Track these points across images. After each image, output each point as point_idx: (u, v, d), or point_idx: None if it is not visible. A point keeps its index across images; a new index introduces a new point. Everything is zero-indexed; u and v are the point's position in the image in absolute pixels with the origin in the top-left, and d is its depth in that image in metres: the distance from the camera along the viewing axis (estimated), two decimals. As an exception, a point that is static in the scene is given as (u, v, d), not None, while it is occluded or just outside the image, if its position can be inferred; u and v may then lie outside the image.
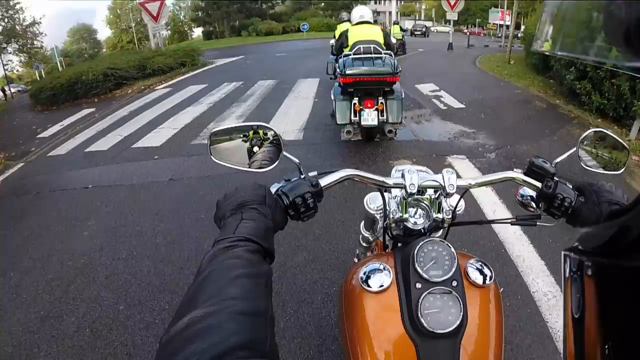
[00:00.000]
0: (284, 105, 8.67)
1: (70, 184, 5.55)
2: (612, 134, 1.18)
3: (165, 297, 2.95)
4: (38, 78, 21.64)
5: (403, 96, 5.28)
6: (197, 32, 62.34)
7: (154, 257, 3.45)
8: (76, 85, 12.36)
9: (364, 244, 1.82)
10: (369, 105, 5.09)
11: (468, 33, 33.51)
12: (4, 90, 24.12)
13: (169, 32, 57.41)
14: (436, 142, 5.84)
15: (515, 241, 3.28)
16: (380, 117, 5.14)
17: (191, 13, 59.97)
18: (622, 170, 1.17)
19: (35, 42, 22.83)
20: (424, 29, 43.88)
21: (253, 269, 0.65)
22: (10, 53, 22.07)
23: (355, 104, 5.12)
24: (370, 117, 5.11)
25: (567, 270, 0.49)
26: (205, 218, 3.95)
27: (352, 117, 5.16)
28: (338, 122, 5.27)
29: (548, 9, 0.53)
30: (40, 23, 22.57)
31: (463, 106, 7.78)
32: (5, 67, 23.71)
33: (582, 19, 0.44)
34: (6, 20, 20.73)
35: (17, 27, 21.30)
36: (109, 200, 4.77)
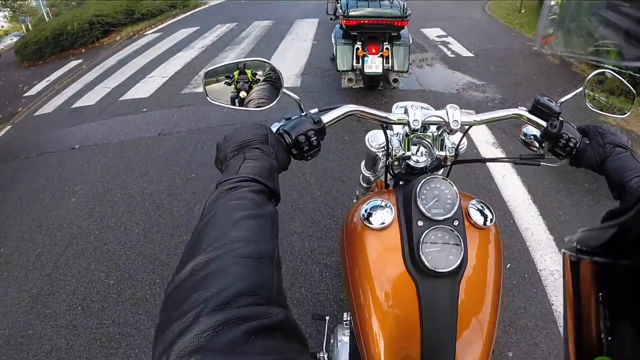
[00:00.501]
0: (281, 47, 8.22)
1: (57, 146, 5.32)
2: (619, 77, 1.16)
3: (156, 268, 2.82)
4: (25, 31, 20.93)
5: (411, 42, 4.87)
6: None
7: (143, 223, 3.29)
8: (61, 37, 11.84)
9: (365, 184, 1.80)
10: (373, 51, 4.68)
11: None
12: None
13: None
14: (443, 94, 5.50)
15: (525, 212, 3.11)
16: (385, 65, 4.73)
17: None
18: (628, 113, 1.17)
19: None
20: None
21: (258, 210, 0.64)
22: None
23: (358, 48, 4.70)
24: (374, 64, 4.71)
25: (567, 270, 0.46)
26: (196, 178, 3.76)
27: (354, 63, 4.76)
28: (339, 69, 4.89)
29: (547, 9, 0.37)
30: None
31: (472, 55, 7.30)
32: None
33: (582, 19, 0.30)
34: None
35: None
36: (96, 160, 4.56)
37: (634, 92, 1.17)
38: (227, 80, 1.05)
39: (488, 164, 3.45)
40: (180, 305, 0.47)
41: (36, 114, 6.97)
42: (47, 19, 20.26)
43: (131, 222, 3.34)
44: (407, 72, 5.00)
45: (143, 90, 6.73)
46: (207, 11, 15.83)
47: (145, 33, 12.18)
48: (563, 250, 0.48)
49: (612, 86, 0.92)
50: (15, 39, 17.90)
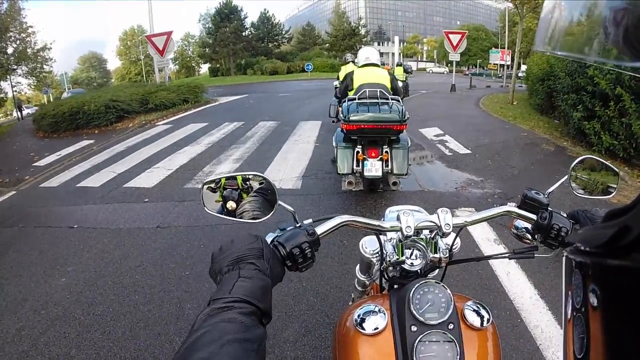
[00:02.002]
0: (284, 149, 8.60)
1: (56, 221, 5.46)
2: (601, 160, 1.23)
3: None
4: (46, 102, 21.77)
5: (409, 145, 5.05)
6: (205, 68, 63.47)
7: (131, 316, 3.29)
8: (78, 115, 12.43)
9: (360, 288, 1.80)
10: (373, 154, 4.85)
11: (469, 74, 34.30)
12: (20, 110, 24.20)
13: (177, 66, 58.41)
14: (442, 193, 5.66)
15: (533, 309, 3.06)
16: (384, 168, 4.87)
17: (198, 49, 61.27)
18: (614, 193, 1.20)
19: (45, 67, 23.00)
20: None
21: (246, 333, 0.64)
22: (19, 75, 22.22)
23: (358, 152, 4.86)
24: (374, 168, 4.85)
25: (568, 273, 0.48)
26: (190, 276, 3.81)
27: (355, 167, 4.90)
28: (339, 172, 5.02)
29: (548, 9, 0.51)
30: (51, 48, 22.80)
31: (469, 152, 7.70)
32: (14, 89, 23.92)
33: (582, 19, 0.44)
34: (17, 42, 20.98)
35: (28, 50, 21.53)
36: (92, 244, 4.65)
37: (617, 170, 1.22)
38: (213, 186, 1.10)
39: (491, 262, 3.49)
40: None
41: (42, 185, 7.17)
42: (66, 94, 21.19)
43: (119, 313, 3.34)
44: (406, 174, 5.09)
45: (147, 180, 6.97)
46: (217, 108, 16.71)
47: (157, 123, 12.78)
48: (563, 250, 0.52)
49: (596, 164, 1.01)
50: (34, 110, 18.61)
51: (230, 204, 1.09)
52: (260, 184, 1.10)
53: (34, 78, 22.85)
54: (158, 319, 3.23)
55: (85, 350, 2.97)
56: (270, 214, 1.04)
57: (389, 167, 4.91)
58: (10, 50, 20.55)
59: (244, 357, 0.60)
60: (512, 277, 3.43)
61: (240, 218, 1.07)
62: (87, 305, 3.49)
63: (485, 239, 4.03)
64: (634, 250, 0.36)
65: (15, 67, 21.10)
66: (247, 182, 1.10)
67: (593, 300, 0.42)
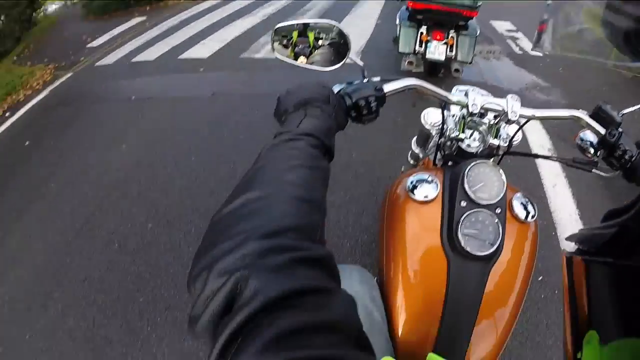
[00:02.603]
0: (344, 23, 7.85)
1: (114, 96, 5.50)
2: None
3: (193, 219, 2.87)
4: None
5: (478, 33, 4.59)
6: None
7: (187, 176, 3.34)
8: (128, -7, 12.10)
9: (412, 161, 1.80)
10: (438, 37, 4.44)
11: None
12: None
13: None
14: (505, 91, 5.08)
15: (569, 226, 2.85)
16: (448, 53, 4.48)
17: None
18: None
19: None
20: None
21: (313, 162, 0.65)
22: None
23: (422, 33, 4.47)
24: (437, 51, 4.46)
25: (568, 272, 0.47)
26: (244, 140, 3.76)
27: (417, 47, 4.52)
28: (400, 50, 4.66)
29: (550, 10, 0.37)
30: None
31: (540, 54, 6.89)
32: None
33: (583, 20, 0.38)
34: None
35: None
36: (150, 113, 4.66)
37: None
38: (285, 42, 1.05)
39: (540, 170, 3.32)
40: (227, 230, 0.48)
41: (97, 64, 7.15)
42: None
43: (176, 174, 3.40)
44: (470, 63, 4.76)
45: (202, 51, 6.76)
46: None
47: (210, -4, 12.28)
48: (563, 250, 0.51)
49: None
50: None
51: (301, 59, 1.04)
52: (332, 39, 1.04)
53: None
54: (213, 179, 3.26)
55: (145, 207, 3.08)
56: (341, 64, 1.00)
57: (453, 52, 4.50)
58: None
59: (311, 182, 0.60)
60: (557, 189, 3.18)
61: (312, 65, 1.03)
62: (147, 167, 3.57)
63: (540, 146, 3.69)
64: (634, 250, 0.35)
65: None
66: (319, 40, 1.04)
67: (581, 274, 0.43)
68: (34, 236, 3.10)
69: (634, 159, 0.95)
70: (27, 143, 4.59)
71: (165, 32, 8.36)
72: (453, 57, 4.54)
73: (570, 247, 0.45)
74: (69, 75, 6.95)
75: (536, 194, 3.09)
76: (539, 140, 3.77)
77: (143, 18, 10.33)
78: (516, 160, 1.12)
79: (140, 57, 6.93)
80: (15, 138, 4.87)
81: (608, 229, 0.39)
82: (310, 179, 0.60)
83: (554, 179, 3.25)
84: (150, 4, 11.90)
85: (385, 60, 5.88)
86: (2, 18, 10.13)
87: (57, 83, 6.66)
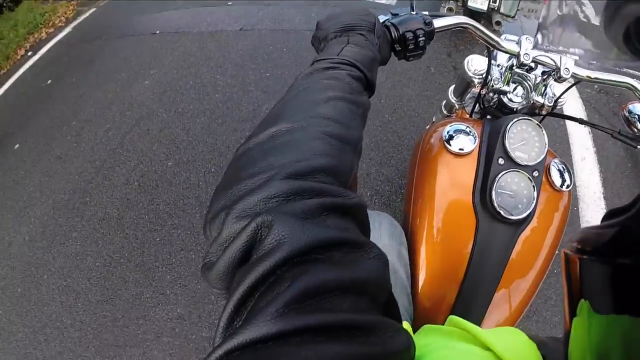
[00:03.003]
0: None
1: (138, 30, 5.32)
2: None
3: (214, 158, 2.78)
4: None
5: None
6: None
7: (210, 113, 3.21)
8: None
9: (446, 112, 1.69)
10: None
11: None
12: None
13: None
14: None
15: (592, 204, 2.72)
16: (491, 3, 4.11)
17: None
18: None
19: None
20: None
21: (352, 95, 0.57)
22: None
23: None
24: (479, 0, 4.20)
25: (567, 270, 0.40)
26: (270, 77, 3.58)
27: None
28: None
29: (550, 9, 0.41)
30: None
31: (597, 24, 6.34)
32: None
33: (583, 19, 0.33)
34: None
35: None
36: (175, 48, 4.48)
37: None
38: None
39: (571, 141, 3.13)
40: (251, 166, 0.43)
41: (121, -2, 6.97)
42: None
43: (199, 110, 3.27)
44: (514, 17, 4.32)
45: (231, -17, 6.48)
46: None
47: None
48: (563, 249, 0.44)
49: None
50: None
51: None
52: None
53: None
54: (236, 117, 3.14)
55: (166, 144, 3.01)
56: None
57: (497, 3, 4.10)
58: None
59: (349, 117, 0.53)
60: (585, 164, 2.95)
61: None
62: (169, 103, 3.45)
63: (575, 125, 3.34)
64: (634, 250, 0.30)
65: None
66: None
67: (578, 271, 0.36)
68: (55, 175, 3.07)
69: None
70: (49, 82, 4.50)
71: (193, -34, 8.05)
72: (496, 8, 4.18)
73: (570, 247, 0.33)
74: (92, 10, 6.77)
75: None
76: (572, 110, 3.52)
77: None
78: (549, 123, 0.96)
79: (166, -10, 6.71)
80: (38, 77, 4.78)
81: (608, 228, 0.33)
82: (348, 113, 0.54)
83: (583, 152, 3.05)
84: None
85: (422, 3, 5.53)
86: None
87: (80, 19, 6.50)
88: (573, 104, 3.54)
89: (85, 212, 2.65)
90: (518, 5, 4.21)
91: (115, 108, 3.57)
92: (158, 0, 6.27)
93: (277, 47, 4.11)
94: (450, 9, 4.38)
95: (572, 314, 0.38)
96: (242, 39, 4.44)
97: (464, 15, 4.33)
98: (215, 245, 0.38)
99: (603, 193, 2.81)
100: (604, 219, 0.37)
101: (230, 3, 5.60)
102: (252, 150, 0.46)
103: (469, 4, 4.15)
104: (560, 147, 3.04)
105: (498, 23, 4.31)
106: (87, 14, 6.63)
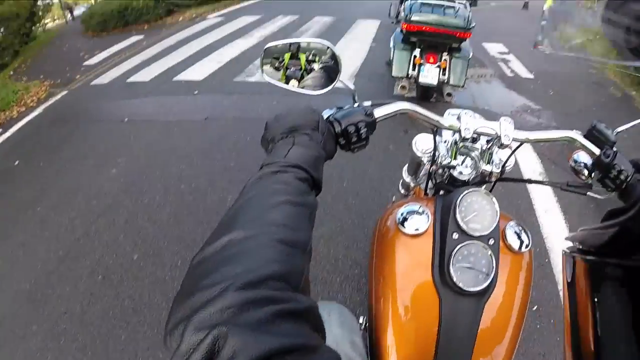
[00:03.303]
0: (339, 46, 8.01)
1: (108, 116, 5.49)
2: None
3: (180, 251, 2.82)
4: (93, 2, 21.62)
5: (470, 56, 4.64)
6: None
7: (176, 205, 3.31)
8: (127, 11, 12.13)
9: (403, 191, 1.76)
10: (431, 60, 4.46)
11: None
12: (71, 11, 24.20)
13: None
14: (496, 114, 5.11)
15: (561, 252, 2.83)
16: (441, 76, 4.51)
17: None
18: None
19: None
20: None
21: (299, 197, 0.62)
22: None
23: (415, 56, 4.49)
24: (430, 75, 4.49)
25: (568, 272, 0.48)
26: (235, 167, 3.75)
27: (410, 71, 4.54)
28: (393, 74, 4.67)
29: (549, 9, 0.37)
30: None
31: (531, 77, 6.90)
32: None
33: (583, 19, 0.25)
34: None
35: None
36: (142, 136, 4.64)
37: None
38: (277, 65, 1.04)
39: (532, 195, 3.30)
40: (207, 276, 0.45)
41: (92, 83, 7.16)
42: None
43: (165, 201, 3.36)
44: (463, 87, 4.78)
45: (197, 73, 6.78)
46: (271, 1, 15.98)
47: (208, 16, 12.34)
48: (563, 250, 0.50)
49: None
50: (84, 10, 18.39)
51: (293, 83, 1.03)
52: (325, 62, 1.04)
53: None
54: (202, 208, 3.23)
55: (132, 236, 3.04)
56: (331, 87, 0.98)
57: (446, 76, 4.53)
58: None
59: (297, 221, 0.57)
60: (549, 215, 3.16)
61: (301, 89, 1.02)
62: (136, 194, 3.54)
63: (532, 171, 3.71)
64: (634, 250, 0.36)
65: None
66: (311, 63, 1.04)
67: (581, 272, 0.44)
68: (16, 263, 3.04)
69: (629, 179, 0.92)
70: (16, 162, 4.56)
71: (162, 52, 8.39)
72: (446, 81, 4.56)
73: (570, 247, 0.44)
74: (64, 93, 6.97)
75: (528, 220, 3.09)
76: (530, 165, 3.78)
77: (141, 37, 10.39)
78: (507, 184, 1.10)
79: (135, 78, 6.96)
80: (6, 157, 4.82)
81: (608, 229, 0.40)
82: (295, 217, 0.58)
83: (545, 203, 3.25)
84: (148, 23, 12.00)
85: (378, 84, 5.92)
86: (2, 30, 10.15)
87: (52, 100, 6.69)
88: (529, 159, 3.86)
89: (46, 305, 2.61)
90: (466, 75, 4.61)
91: (82, 196, 3.62)
92: (127, 88, 6.49)
93: (242, 136, 4.33)
94: (403, 87, 4.76)
95: (572, 313, 0.44)
96: (208, 128, 4.65)
97: (417, 91, 4.73)
98: (176, 358, 0.40)
99: None
100: (604, 219, 0.43)
101: (196, 92, 5.88)
102: (207, 260, 0.49)
103: (420, 80, 4.52)
104: (523, 204, 3.23)
105: (449, 94, 4.73)
106: (58, 96, 6.81)
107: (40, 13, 12.74)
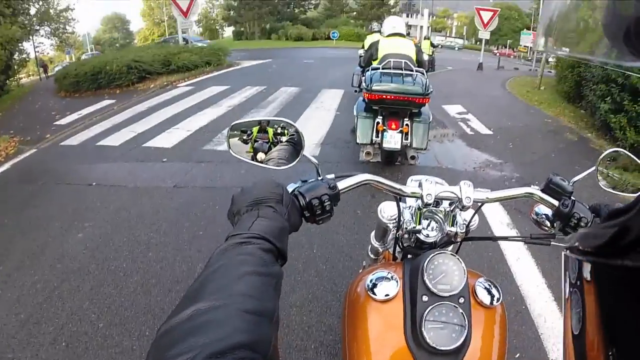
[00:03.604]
0: (305, 115, 8.47)
1: (76, 179, 5.52)
2: (631, 155, 1.18)
3: (147, 320, 2.81)
4: (68, 61, 21.87)
5: (431, 119, 4.94)
6: (228, 31, 62.73)
7: (143, 272, 3.32)
8: (100, 75, 12.42)
9: (373, 256, 1.78)
10: (393, 126, 4.74)
11: (498, 54, 33.48)
12: (45, 69, 24.30)
13: (200, 28, 57.91)
14: (460, 172, 5.53)
15: (538, 297, 3.00)
16: (404, 141, 4.78)
17: (223, 12, 60.38)
18: None
19: (67, 27, 23.02)
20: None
21: (265, 268, 0.63)
22: (42, 36, 22.28)
23: (378, 123, 4.77)
24: (393, 140, 4.76)
25: (569, 275, 0.48)
26: (204, 236, 3.82)
27: (374, 137, 4.81)
28: (358, 142, 4.94)
29: (549, 8, 0.49)
30: (74, 9, 22.78)
31: (490, 133, 7.47)
32: (37, 50, 24.00)
33: (583, 19, 0.43)
34: (40, 2, 20.94)
35: (50, 10, 21.51)
36: (110, 201, 4.68)
37: None
38: (245, 137, 1.09)
39: (502, 246, 3.46)
40: (174, 346, 0.46)
41: (62, 143, 7.23)
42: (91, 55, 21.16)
43: (132, 269, 3.37)
44: (425, 149, 5.01)
45: (166, 140, 6.96)
46: (239, 72, 16.51)
47: (179, 85, 12.73)
48: (563, 250, 0.52)
49: (626, 162, 0.96)
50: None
51: (260, 155, 1.09)
52: (291, 135, 1.08)
53: (56, 39, 22.90)
54: (170, 277, 3.24)
55: (97, 303, 3.01)
56: (295, 162, 1.03)
57: (409, 140, 4.82)
58: (33, 10, 20.55)
59: (263, 291, 0.59)
60: (521, 263, 3.36)
61: (266, 164, 1.07)
62: (102, 260, 3.53)
63: (499, 222, 3.96)
64: (634, 250, 0.35)
65: (38, 27, 21.13)
66: (278, 137, 1.09)
67: (587, 274, 0.42)
68: (-25, 326, 2.96)
69: (589, 224, 0.98)
70: (-20, 220, 4.49)
71: (132, 118, 8.57)
72: (409, 145, 4.81)
73: (571, 247, 0.50)
74: (33, 150, 7.00)
75: (501, 270, 3.23)
76: (497, 217, 4.00)
77: (112, 101, 10.56)
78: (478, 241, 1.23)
79: (105, 142, 7.07)
80: (-31, 214, 4.73)
81: (608, 229, 0.38)
82: (261, 287, 0.59)
83: (516, 252, 3.43)
84: (120, 88, 12.21)
85: (344, 150, 6.17)
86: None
87: (20, 157, 6.73)
88: (497, 211, 4.07)
89: (5, 373, 2.56)
90: (428, 137, 4.89)
91: (45, 259, 3.59)
92: (97, 151, 6.56)
93: (210, 204, 4.44)
94: (368, 153, 5.05)
95: (572, 314, 0.44)
96: (176, 196, 4.75)
97: (382, 155, 4.98)
98: None
99: (546, 283, 3.12)
100: (604, 219, 0.47)
101: (164, 160, 6.00)
102: (174, 330, 0.49)
103: (384, 146, 4.80)
104: (494, 255, 3.39)
105: (413, 157, 4.99)
106: (27, 153, 6.84)
107: (15, 67, 12.82)
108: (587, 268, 0.42)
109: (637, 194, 0.37)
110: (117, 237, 3.88)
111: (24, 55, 13.99)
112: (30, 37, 20.87)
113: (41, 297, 3.12)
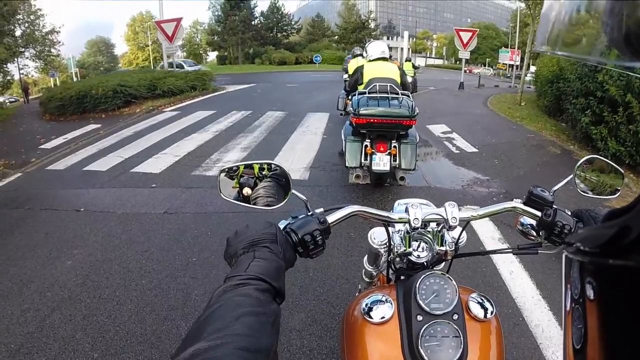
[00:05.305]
0: (292, 139, 8.53)
1: (63, 204, 5.45)
2: (606, 160, 1.26)
3: (144, 350, 2.75)
4: (52, 85, 21.78)
5: (418, 140, 5.05)
6: (212, 56, 63.26)
7: (137, 300, 3.27)
8: (85, 99, 12.41)
9: (367, 279, 1.81)
10: (382, 149, 4.84)
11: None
12: (27, 93, 24.07)
13: (185, 53, 58.25)
14: (449, 190, 5.62)
15: (534, 308, 3.05)
16: (392, 162, 4.87)
17: (207, 37, 60.92)
18: (618, 194, 1.23)
19: (52, 50, 22.94)
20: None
21: (261, 308, 0.66)
22: (27, 58, 22.16)
23: (366, 146, 4.85)
24: (382, 162, 4.85)
25: (571, 290, 0.48)
26: (197, 262, 3.78)
27: (363, 160, 4.89)
28: (347, 165, 5.01)
29: (548, 8, 0.50)
30: (59, 32, 22.73)
31: (476, 150, 7.62)
32: (21, 72, 23.84)
33: (582, 19, 0.43)
34: (26, 24, 20.90)
35: (35, 32, 21.46)
36: (99, 228, 4.63)
37: (622, 171, 1.25)
38: (232, 174, 1.13)
39: (494, 260, 3.52)
40: None
41: (48, 168, 7.17)
42: (75, 78, 21.12)
43: (125, 297, 3.31)
44: (414, 170, 5.08)
45: (154, 166, 6.94)
46: (225, 97, 16.61)
47: (164, 109, 12.75)
48: (563, 250, 0.52)
49: (602, 165, 1.02)
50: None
51: (246, 190, 1.12)
52: (274, 170, 1.14)
53: (41, 61, 22.80)
54: (164, 305, 3.20)
55: (90, 333, 2.95)
56: (284, 202, 1.08)
57: (397, 162, 4.91)
58: (18, 32, 20.49)
59: (260, 329, 0.61)
60: (515, 275, 3.43)
61: (255, 204, 1.11)
62: (93, 288, 3.47)
63: (490, 237, 4.03)
64: (634, 250, 0.36)
65: (23, 49, 21.03)
66: (263, 172, 1.13)
67: (590, 292, 0.42)
68: (-38, 358, 2.89)
69: (572, 230, 1.02)
70: (-36, 246, 4.39)
71: (119, 143, 8.54)
72: (397, 166, 4.89)
73: (571, 247, 0.49)
74: (18, 175, 6.94)
75: (496, 284, 3.27)
76: (487, 232, 4.07)
77: (98, 125, 10.54)
78: (468, 257, 1.27)
79: (92, 167, 7.03)
80: (-49, 239, 4.63)
81: (608, 229, 0.38)
82: (258, 325, 0.62)
83: (509, 266, 3.49)
84: (106, 112, 12.19)
85: (333, 173, 6.21)
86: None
87: (5, 181, 6.67)
88: (487, 226, 4.15)
89: (-6, 406, 2.50)
90: (416, 158, 4.98)
91: (34, 287, 3.51)
92: (84, 176, 6.50)
93: (202, 230, 4.40)
94: (357, 176, 5.10)
95: (573, 315, 0.44)
96: (167, 222, 4.70)
97: (371, 178, 5.06)
98: None
99: (540, 294, 3.16)
100: (604, 219, 0.43)
101: (153, 185, 5.97)
102: None
103: (373, 168, 4.89)
104: (488, 270, 3.43)
105: (402, 178, 5.06)
106: (13, 177, 6.79)
107: (0, 89, 12.82)
108: (589, 286, 0.43)
109: (637, 195, 0.38)
110: (108, 265, 3.83)
111: (8, 77, 13.91)
112: (15, 59, 20.77)
113: (32, 327, 3.05)
